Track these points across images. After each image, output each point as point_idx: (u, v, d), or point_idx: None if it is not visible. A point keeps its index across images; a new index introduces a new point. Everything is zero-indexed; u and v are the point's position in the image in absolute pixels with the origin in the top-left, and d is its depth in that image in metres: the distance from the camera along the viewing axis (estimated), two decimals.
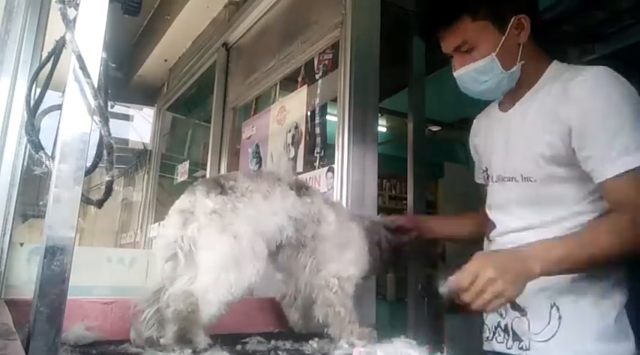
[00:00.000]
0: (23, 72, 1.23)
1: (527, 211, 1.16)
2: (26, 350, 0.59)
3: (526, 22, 1.15)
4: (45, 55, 0.89)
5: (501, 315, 1.21)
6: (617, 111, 1.03)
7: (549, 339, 1.10)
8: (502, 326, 1.20)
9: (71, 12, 0.69)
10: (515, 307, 1.04)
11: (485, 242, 1.33)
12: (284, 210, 1.13)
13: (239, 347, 1.11)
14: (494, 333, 1.23)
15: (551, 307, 1.10)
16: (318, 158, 2.12)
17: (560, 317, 1.09)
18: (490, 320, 1.26)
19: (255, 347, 1.12)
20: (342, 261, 1.21)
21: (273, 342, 1.14)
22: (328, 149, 2.07)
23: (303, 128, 2.25)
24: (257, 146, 2.63)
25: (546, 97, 1.14)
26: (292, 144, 2.29)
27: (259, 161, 2.58)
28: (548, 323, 1.10)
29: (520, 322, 1.15)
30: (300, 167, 2.20)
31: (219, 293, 0.99)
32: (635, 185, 1.02)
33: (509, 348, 1.17)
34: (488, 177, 1.30)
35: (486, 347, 1.26)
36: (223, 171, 2.95)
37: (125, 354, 0.98)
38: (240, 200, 1.07)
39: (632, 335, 1.08)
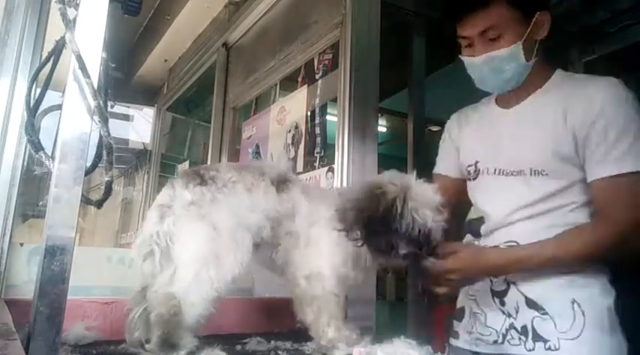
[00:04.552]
0: (23, 72, 1.23)
1: (532, 203, 1.16)
2: (26, 350, 0.59)
3: (546, 21, 1.16)
4: (45, 55, 0.89)
5: (510, 315, 1.18)
6: (624, 120, 1.08)
7: (578, 336, 1.09)
8: (516, 327, 1.16)
9: (71, 12, 0.69)
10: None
11: (468, 236, 1.31)
12: (262, 207, 1.06)
13: (239, 347, 1.11)
14: (504, 336, 1.18)
15: (572, 303, 1.11)
16: (318, 158, 2.12)
17: (583, 313, 1.10)
18: (496, 322, 1.20)
19: (255, 347, 1.11)
20: (311, 259, 1.09)
21: (273, 342, 1.14)
22: (328, 149, 2.07)
23: (303, 128, 2.25)
24: (257, 146, 2.63)
25: (559, 99, 1.16)
26: (292, 144, 2.29)
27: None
28: (574, 320, 1.10)
29: (542, 321, 1.13)
30: (300, 167, 2.20)
31: (202, 291, 0.93)
32: (618, 190, 1.07)
33: (530, 350, 1.13)
34: (476, 171, 1.29)
35: (487, 349, 1.21)
36: None
37: (125, 354, 0.98)
38: (220, 191, 1.01)
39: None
